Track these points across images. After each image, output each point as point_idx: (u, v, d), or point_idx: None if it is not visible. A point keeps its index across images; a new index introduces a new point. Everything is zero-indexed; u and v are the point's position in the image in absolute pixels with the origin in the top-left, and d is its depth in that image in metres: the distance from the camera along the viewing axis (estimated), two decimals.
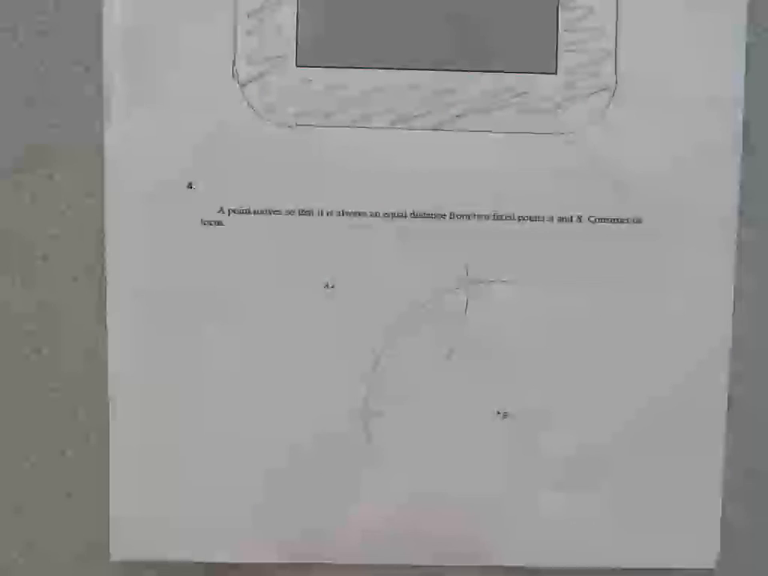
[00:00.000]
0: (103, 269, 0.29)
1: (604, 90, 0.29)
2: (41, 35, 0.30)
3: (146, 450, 0.29)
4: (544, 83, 0.29)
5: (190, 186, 0.29)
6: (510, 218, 0.29)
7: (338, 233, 0.29)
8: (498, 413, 0.30)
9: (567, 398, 0.30)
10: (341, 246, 0.29)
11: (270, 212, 0.29)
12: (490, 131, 0.29)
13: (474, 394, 0.30)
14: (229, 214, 0.29)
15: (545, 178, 0.29)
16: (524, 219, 0.29)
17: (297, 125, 0.29)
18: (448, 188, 0.29)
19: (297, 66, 0.29)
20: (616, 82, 0.29)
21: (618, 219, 0.29)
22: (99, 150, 0.29)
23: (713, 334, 0.30)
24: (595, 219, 0.29)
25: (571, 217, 0.29)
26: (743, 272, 0.30)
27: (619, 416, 0.30)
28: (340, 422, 0.30)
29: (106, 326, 0.29)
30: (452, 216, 0.29)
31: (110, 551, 0.30)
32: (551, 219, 0.29)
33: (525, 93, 0.29)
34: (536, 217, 0.29)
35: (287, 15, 0.28)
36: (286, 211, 0.29)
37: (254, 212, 0.29)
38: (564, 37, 0.29)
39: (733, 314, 0.29)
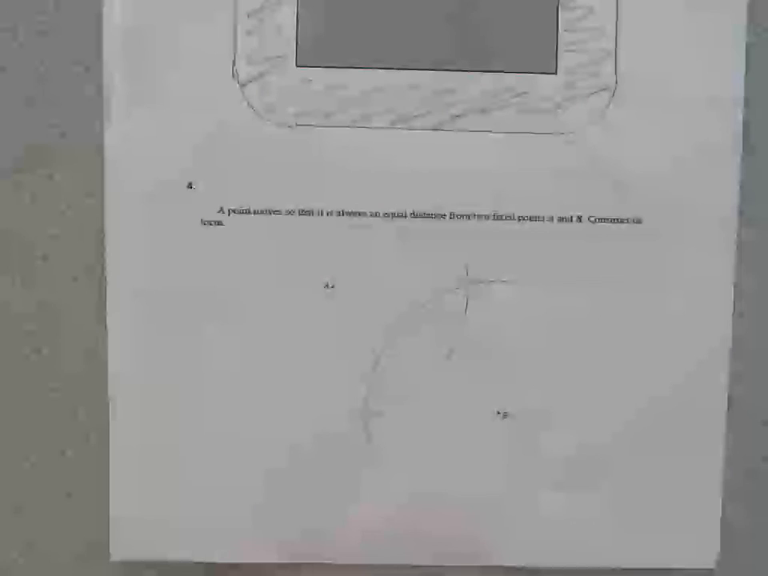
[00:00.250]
0: (103, 269, 0.29)
1: (604, 89, 0.29)
2: (41, 35, 0.30)
3: (146, 450, 0.29)
4: (544, 83, 0.29)
5: (189, 186, 0.29)
6: (510, 218, 0.29)
7: (338, 233, 0.29)
8: (498, 413, 0.30)
9: (567, 398, 0.30)
10: (341, 245, 0.29)
11: (270, 212, 0.29)
12: (490, 131, 0.29)
13: (474, 394, 0.30)
14: (229, 214, 0.29)
15: (545, 177, 0.29)
16: (524, 219, 0.29)
17: (297, 125, 0.29)
18: (448, 188, 0.29)
19: (297, 66, 0.29)
20: (616, 82, 0.29)
21: (618, 219, 0.29)
22: (99, 149, 0.29)
23: (713, 333, 0.30)
24: (595, 219, 0.29)
25: (571, 217, 0.29)
26: (743, 272, 0.30)
27: (619, 416, 0.30)
28: (340, 421, 0.30)
29: (105, 326, 0.29)
30: (452, 216, 0.29)
31: (110, 551, 0.30)
32: (551, 219, 0.29)
33: (525, 93, 0.29)
34: (536, 217, 0.29)
35: (287, 15, 0.28)
36: (286, 211, 0.29)
37: (254, 212, 0.29)
38: (564, 37, 0.29)
39: (733, 314, 0.30)
